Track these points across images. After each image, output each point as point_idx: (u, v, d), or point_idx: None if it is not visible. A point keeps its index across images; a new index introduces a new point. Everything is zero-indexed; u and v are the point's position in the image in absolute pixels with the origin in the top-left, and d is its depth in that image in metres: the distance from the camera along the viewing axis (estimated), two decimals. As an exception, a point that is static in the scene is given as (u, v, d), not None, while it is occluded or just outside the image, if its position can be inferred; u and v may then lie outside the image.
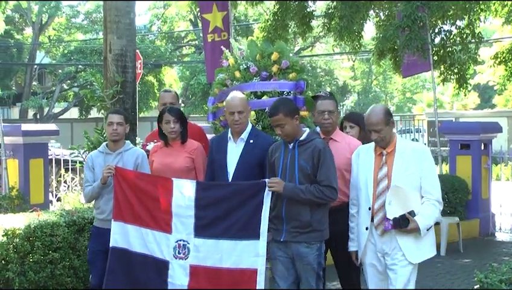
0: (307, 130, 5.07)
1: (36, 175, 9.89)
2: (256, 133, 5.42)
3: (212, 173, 5.45)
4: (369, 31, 21.78)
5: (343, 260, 5.31)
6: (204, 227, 4.94)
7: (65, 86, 37.57)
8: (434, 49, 12.27)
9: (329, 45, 34.13)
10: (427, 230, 4.78)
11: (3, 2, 27.79)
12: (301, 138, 4.95)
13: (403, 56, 11.58)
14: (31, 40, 37.78)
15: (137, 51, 12.13)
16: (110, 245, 5.21)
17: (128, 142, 5.74)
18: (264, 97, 5.97)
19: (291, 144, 4.95)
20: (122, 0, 7.75)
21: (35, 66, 38.25)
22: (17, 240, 5.87)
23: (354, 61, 38.93)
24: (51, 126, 11.73)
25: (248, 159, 5.27)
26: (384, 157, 4.89)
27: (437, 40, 12.48)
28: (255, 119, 5.88)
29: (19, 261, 5.86)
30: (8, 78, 38.43)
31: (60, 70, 36.83)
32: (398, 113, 45.39)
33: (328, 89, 41.42)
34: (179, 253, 5.02)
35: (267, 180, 4.83)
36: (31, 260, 5.93)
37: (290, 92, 5.94)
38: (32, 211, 6.80)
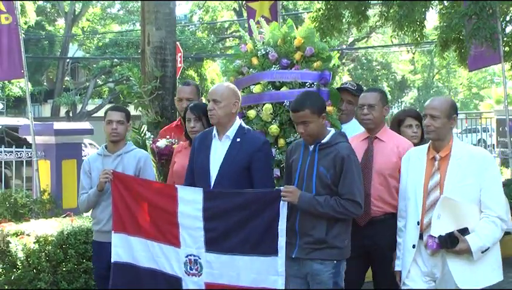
0: (332, 131, 4.79)
1: (69, 177, 9.88)
2: (244, 131, 5.03)
3: (193, 177, 5.12)
4: (432, 20, 21.45)
5: (384, 280, 5.09)
6: (216, 241, 4.75)
7: (99, 82, 38.11)
8: (505, 39, 12.01)
9: (387, 35, 33.78)
10: (483, 253, 4.34)
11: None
12: (323, 140, 4.67)
13: (470, 47, 11.34)
14: (63, 31, 38.39)
15: (177, 43, 12.21)
16: (112, 260, 5.08)
17: (130, 143, 5.63)
18: (283, 88, 5.63)
19: (312, 146, 4.68)
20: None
21: (68, 60, 38.85)
22: (50, 247, 5.97)
23: (414, 54, 38.56)
24: (85, 124, 11.90)
25: (233, 161, 4.90)
26: (437, 162, 4.54)
27: (508, 29, 12.23)
28: (271, 114, 5.55)
29: (51, 271, 5.96)
30: (39, 73, 39.11)
31: (94, 65, 37.34)
32: (463, 110, 44.70)
33: (385, 84, 41.20)
34: (191, 269, 4.84)
35: (282, 188, 4.60)
36: (64, 269, 6.03)
37: (313, 83, 5.60)
38: (65, 217, 6.92)
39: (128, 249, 5.05)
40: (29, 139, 9.64)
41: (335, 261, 4.60)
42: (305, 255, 4.63)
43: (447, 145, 4.54)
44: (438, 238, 4.36)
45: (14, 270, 6.18)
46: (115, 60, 34.49)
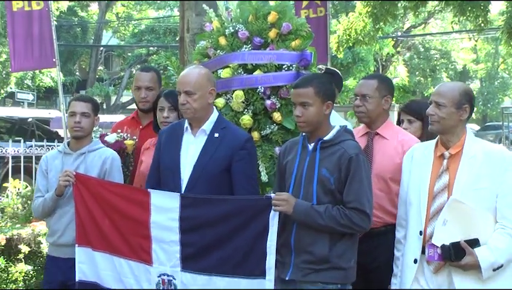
0: (336, 126, 4.26)
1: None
2: (223, 125, 4.56)
3: (157, 179, 4.63)
4: (497, 4, 21.14)
5: None
6: (193, 258, 4.28)
7: (135, 71, 38.46)
8: None
9: (447, 21, 33.41)
10: (494, 270, 3.85)
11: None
12: (326, 137, 4.17)
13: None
14: (96, 18, 38.82)
15: None
16: (77, 278, 4.65)
17: (96, 140, 5.14)
18: (257, 72, 5.06)
19: (312, 145, 4.20)
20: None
21: (102, 48, 39.29)
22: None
23: (476, 41, 38.00)
24: (119, 117, 12.01)
25: (210, 160, 4.41)
26: (445, 161, 4.07)
27: None
28: (243, 102, 5.01)
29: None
30: (71, 62, 39.59)
31: (129, 53, 37.73)
32: (530, 104, 44.01)
33: (444, 75, 40.68)
34: None
35: (272, 195, 4.08)
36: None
37: (291, 65, 5.04)
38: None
39: (93, 266, 4.62)
40: (61, 132, 9.79)
41: (339, 286, 4.09)
42: (301, 277, 4.10)
43: (459, 141, 4.07)
44: (440, 248, 3.91)
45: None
46: (151, 48, 34.72)
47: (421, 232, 4.06)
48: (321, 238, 4.05)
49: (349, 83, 26.94)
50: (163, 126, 5.03)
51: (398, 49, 34.72)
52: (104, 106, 36.42)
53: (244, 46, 5.16)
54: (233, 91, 5.06)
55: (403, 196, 4.33)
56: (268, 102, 4.98)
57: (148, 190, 4.46)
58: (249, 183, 4.45)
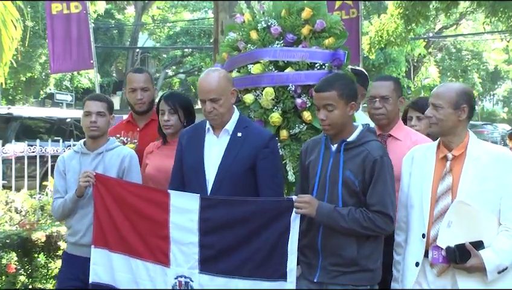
0: (359, 126, 4.13)
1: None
2: (246, 124, 4.45)
3: (181, 180, 4.52)
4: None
5: None
6: (212, 260, 4.16)
7: (170, 73, 38.68)
8: None
9: (478, 22, 33.09)
10: (499, 273, 3.75)
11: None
12: (350, 139, 4.04)
13: None
14: (133, 20, 39.09)
15: None
16: (90, 280, 4.54)
17: (113, 139, 5.01)
18: (288, 69, 4.91)
19: (335, 146, 4.07)
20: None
21: (138, 50, 39.49)
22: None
23: (508, 42, 37.56)
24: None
25: (234, 160, 4.30)
26: (448, 163, 3.95)
27: None
28: (273, 99, 4.88)
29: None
30: (108, 64, 39.81)
31: (164, 55, 37.90)
32: None
33: (476, 76, 40.33)
34: None
35: (294, 197, 3.98)
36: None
37: (324, 64, 4.88)
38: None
39: (109, 268, 4.51)
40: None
41: (368, 287, 4.03)
42: (330, 279, 4.01)
43: (462, 142, 3.95)
44: (445, 250, 3.79)
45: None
46: (186, 49, 34.83)
47: (423, 235, 3.93)
48: (349, 241, 3.96)
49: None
50: (166, 130, 4.98)
51: (430, 50, 34.54)
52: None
53: (276, 41, 5.01)
54: (264, 88, 4.92)
55: (402, 198, 4.16)
56: (298, 100, 4.84)
57: (168, 190, 4.36)
58: (273, 181, 4.35)
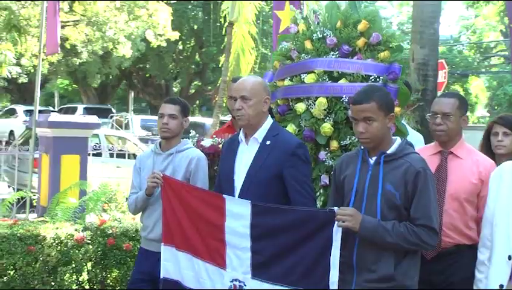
0: (397, 139, 3.83)
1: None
2: (276, 132, 4.26)
3: (220, 188, 4.45)
4: None
5: None
6: (262, 266, 3.99)
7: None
8: None
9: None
10: None
11: None
12: (390, 151, 3.73)
13: None
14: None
15: (443, 60, 13.59)
16: (161, 275, 4.52)
17: (185, 140, 5.01)
18: (342, 81, 4.69)
19: (374, 158, 3.75)
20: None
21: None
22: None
23: None
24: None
25: (261, 168, 4.15)
26: None
27: None
28: (325, 110, 4.67)
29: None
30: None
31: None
32: None
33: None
34: None
35: (336, 209, 3.64)
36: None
37: (378, 77, 4.64)
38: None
39: (177, 265, 4.48)
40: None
41: None
42: None
43: None
44: None
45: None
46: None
47: (510, 257, 3.59)
48: (386, 256, 3.63)
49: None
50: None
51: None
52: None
53: (331, 52, 4.78)
54: (316, 97, 4.70)
55: (488, 216, 3.82)
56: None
57: (223, 195, 4.21)
58: (302, 187, 4.12)
